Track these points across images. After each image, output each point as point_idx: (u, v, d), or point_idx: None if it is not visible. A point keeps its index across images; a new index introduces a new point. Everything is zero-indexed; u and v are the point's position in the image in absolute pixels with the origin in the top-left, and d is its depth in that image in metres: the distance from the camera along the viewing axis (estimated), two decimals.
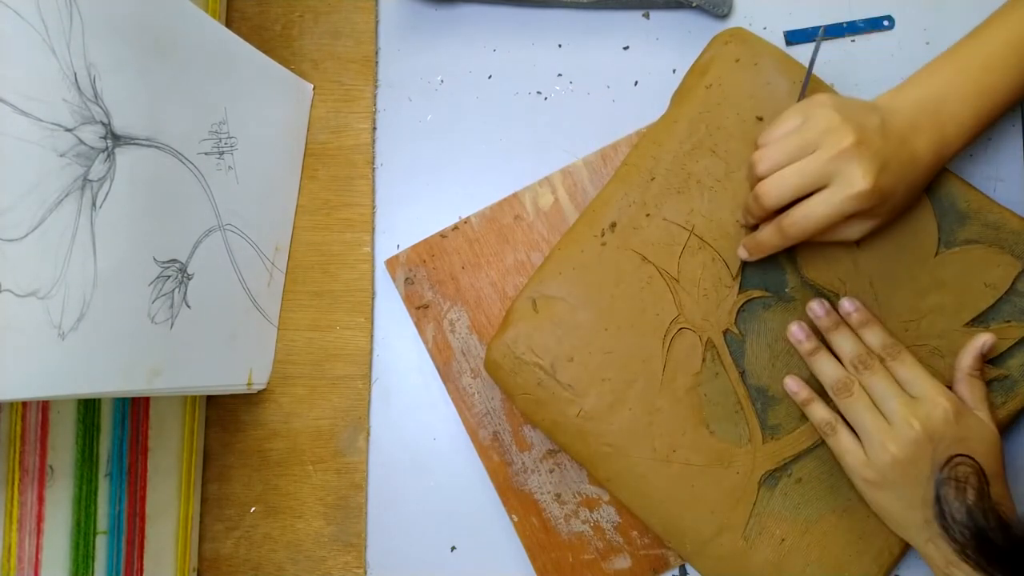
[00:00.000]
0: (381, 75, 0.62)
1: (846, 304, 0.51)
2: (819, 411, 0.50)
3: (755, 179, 0.48)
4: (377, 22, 0.63)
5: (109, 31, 0.39)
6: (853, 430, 0.49)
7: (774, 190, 0.46)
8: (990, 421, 0.48)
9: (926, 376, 0.48)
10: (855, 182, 0.45)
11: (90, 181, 0.39)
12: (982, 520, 0.38)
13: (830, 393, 0.49)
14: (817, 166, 0.45)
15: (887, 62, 0.59)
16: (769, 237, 0.49)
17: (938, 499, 0.42)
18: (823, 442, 0.51)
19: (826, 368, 0.50)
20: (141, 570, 0.51)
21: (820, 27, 0.52)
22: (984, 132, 0.49)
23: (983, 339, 0.49)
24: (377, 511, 0.59)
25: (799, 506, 0.52)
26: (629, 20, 0.62)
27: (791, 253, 0.53)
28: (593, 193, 0.58)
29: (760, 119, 0.54)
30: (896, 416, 0.47)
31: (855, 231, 0.49)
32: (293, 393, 0.60)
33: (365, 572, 0.58)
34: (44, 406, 0.45)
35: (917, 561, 0.55)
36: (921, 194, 0.51)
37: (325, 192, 0.61)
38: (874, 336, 0.50)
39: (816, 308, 0.51)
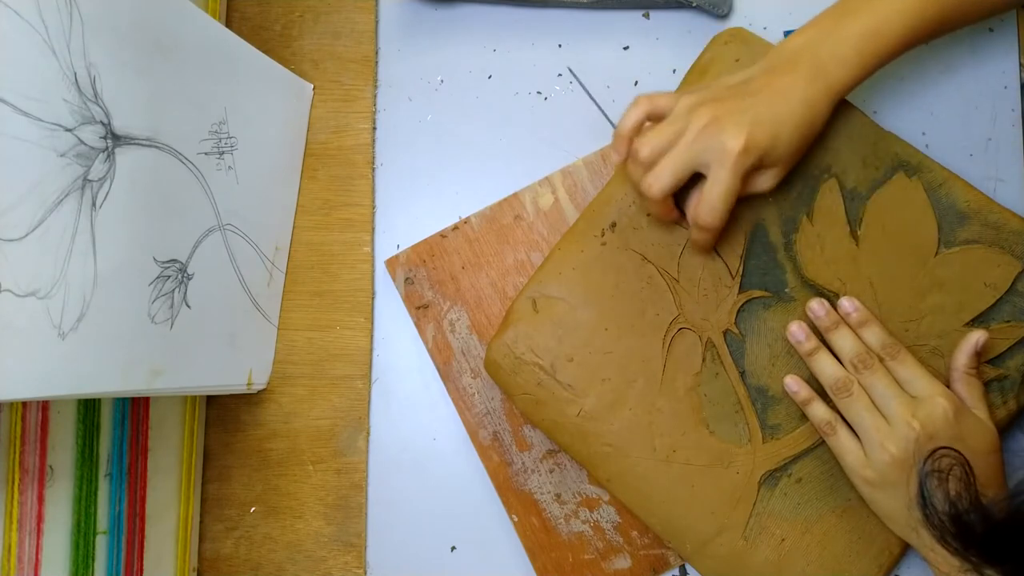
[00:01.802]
0: (381, 75, 0.62)
1: (845, 304, 0.51)
2: (819, 411, 0.50)
3: (639, 170, 0.49)
4: (377, 22, 0.63)
5: (109, 31, 0.39)
6: (853, 430, 0.49)
7: (655, 183, 0.48)
8: (988, 420, 0.48)
9: (926, 376, 0.48)
10: (727, 148, 0.46)
11: (90, 181, 0.39)
12: (962, 507, 0.38)
13: (829, 393, 0.49)
14: (686, 145, 0.47)
15: None
16: (698, 238, 0.51)
17: (921, 490, 0.42)
18: (823, 442, 0.51)
19: (826, 368, 0.50)
20: (141, 570, 0.51)
21: None
22: (877, 71, 0.49)
23: (977, 336, 0.49)
24: (377, 511, 0.59)
25: (799, 506, 0.52)
26: (629, 20, 0.62)
27: (791, 252, 0.53)
28: (593, 193, 0.58)
29: None
30: (896, 416, 0.47)
31: (764, 182, 0.49)
32: (293, 393, 0.60)
33: (365, 572, 0.58)
34: (44, 406, 0.45)
35: (917, 561, 0.55)
36: (823, 127, 0.50)
37: (325, 192, 0.61)
38: (873, 336, 0.50)
39: (815, 308, 0.51)
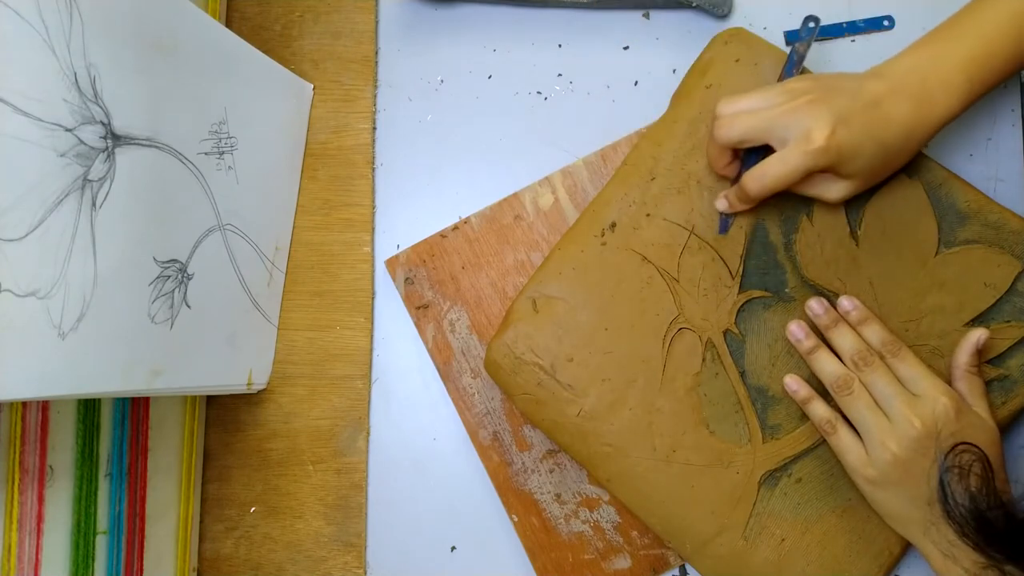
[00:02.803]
0: (381, 75, 0.62)
1: (845, 302, 0.51)
2: (819, 409, 0.50)
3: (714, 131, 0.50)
4: (377, 22, 0.63)
5: (109, 31, 0.39)
6: (854, 429, 0.49)
7: (726, 126, 0.48)
8: (989, 417, 0.48)
9: (927, 373, 0.48)
10: (812, 136, 0.46)
11: (90, 181, 0.39)
12: (984, 504, 0.38)
13: (831, 391, 0.49)
14: (772, 114, 0.47)
15: None
16: (734, 194, 0.51)
17: (941, 485, 0.42)
18: (823, 442, 0.51)
19: (826, 366, 0.50)
20: (141, 570, 0.51)
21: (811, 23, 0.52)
22: (977, 102, 0.49)
23: (978, 335, 0.49)
24: (377, 511, 0.59)
25: (799, 506, 0.52)
26: (629, 20, 0.62)
27: (791, 252, 0.53)
28: (593, 193, 0.58)
29: None
30: (897, 414, 0.47)
31: (833, 191, 0.49)
32: (293, 393, 0.60)
33: (365, 572, 0.58)
34: (44, 406, 0.45)
35: (917, 561, 0.55)
36: (909, 159, 0.50)
37: (325, 192, 0.61)
38: (873, 333, 0.50)
39: (815, 306, 0.51)
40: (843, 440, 0.49)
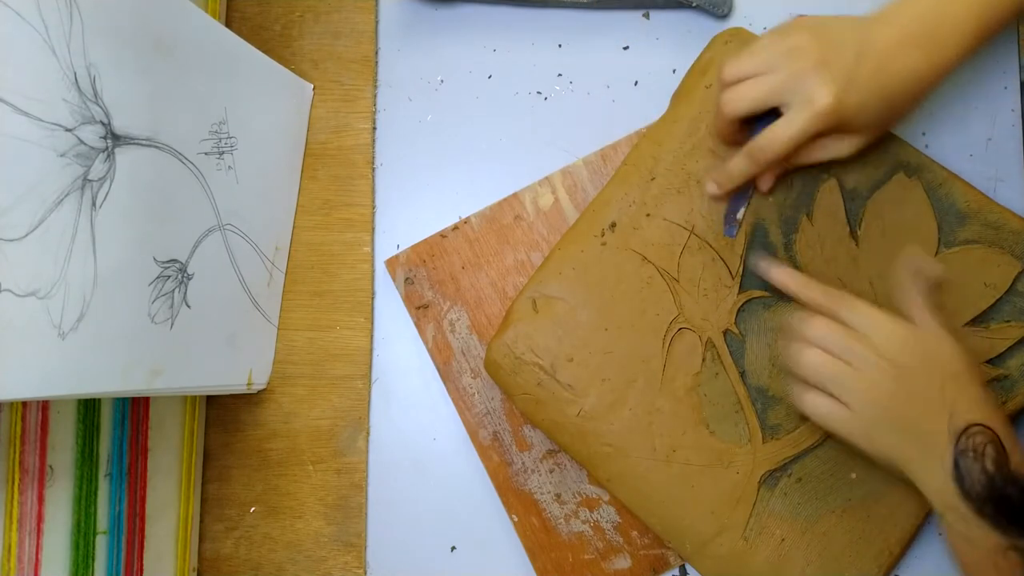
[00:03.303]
0: (381, 75, 0.62)
1: (779, 275, 0.50)
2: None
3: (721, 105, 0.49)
4: (377, 22, 0.63)
5: (109, 31, 0.39)
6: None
7: (734, 98, 0.48)
8: (943, 329, 0.47)
9: (873, 310, 0.47)
10: (815, 99, 0.45)
11: (90, 181, 0.39)
12: (1000, 484, 0.38)
13: (793, 371, 0.48)
14: (776, 80, 0.46)
15: None
16: (737, 164, 0.50)
17: (956, 466, 0.42)
18: (823, 442, 0.51)
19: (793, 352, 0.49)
20: (141, 570, 0.51)
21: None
22: (989, 42, 0.47)
23: (913, 255, 0.49)
24: (377, 511, 0.59)
25: (799, 506, 0.52)
26: (629, 20, 0.62)
27: (791, 252, 0.53)
28: (593, 193, 0.58)
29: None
30: (856, 357, 0.46)
31: (843, 148, 0.49)
32: (293, 393, 0.60)
33: (365, 572, 0.58)
34: (44, 406, 0.45)
35: (917, 561, 0.55)
36: (918, 107, 0.49)
37: (325, 192, 0.61)
38: (818, 293, 0.49)
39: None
40: (819, 406, 0.47)
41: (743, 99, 0.48)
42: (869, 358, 0.45)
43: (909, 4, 0.48)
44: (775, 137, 0.47)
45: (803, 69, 0.46)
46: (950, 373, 0.46)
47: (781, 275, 0.50)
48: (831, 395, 0.47)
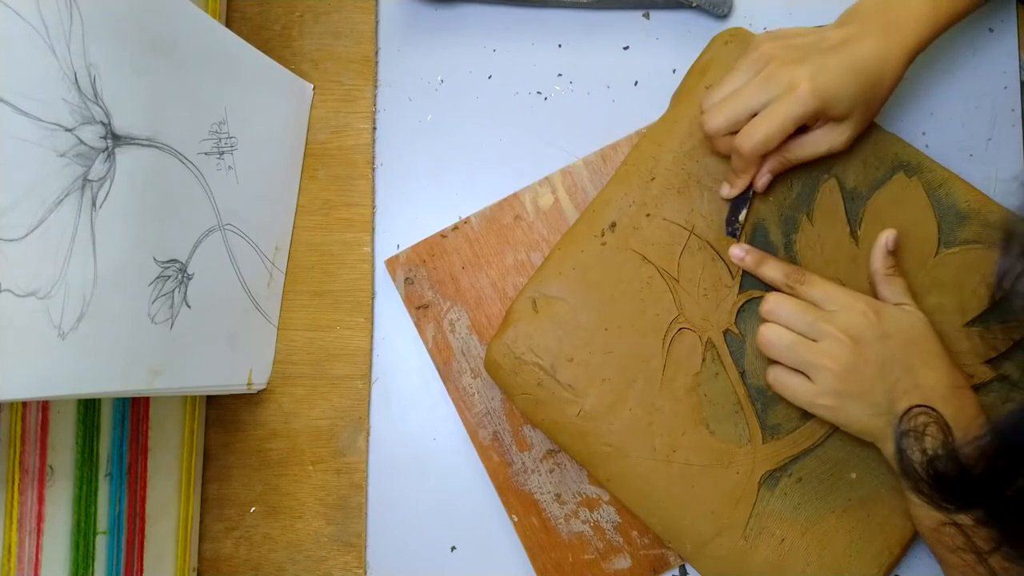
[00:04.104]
0: (381, 75, 0.62)
1: (735, 251, 0.52)
2: (773, 271, 0.51)
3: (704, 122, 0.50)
4: (377, 22, 0.63)
5: (109, 31, 0.39)
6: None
7: (710, 118, 0.49)
8: (917, 310, 0.49)
9: (836, 288, 0.49)
10: (794, 88, 0.47)
11: (90, 181, 0.39)
12: (938, 460, 0.38)
13: (762, 351, 0.50)
14: (752, 87, 0.48)
15: None
16: (734, 162, 0.51)
17: (899, 449, 0.42)
18: (823, 442, 0.51)
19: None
20: (141, 570, 0.51)
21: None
22: (951, 27, 0.50)
23: (886, 236, 0.50)
24: (377, 511, 0.59)
25: (799, 506, 0.52)
26: (629, 20, 0.62)
27: (791, 252, 0.53)
28: (593, 193, 0.58)
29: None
30: (821, 333, 0.47)
31: (834, 138, 0.50)
32: (293, 393, 0.60)
33: (365, 572, 0.58)
34: (44, 406, 0.45)
35: (918, 561, 0.55)
36: (895, 84, 0.50)
37: (325, 192, 0.61)
38: (774, 270, 0.51)
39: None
40: (786, 381, 0.49)
41: (719, 114, 0.49)
42: (829, 332, 0.47)
43: (854, 6, 0.50)
44: (757, 127, 0.48)
45: (772, 70, 0.48)
46: (914, 347, 0.47)
47: (737, 251, 0.52)
48: (797, 371, 0.49)
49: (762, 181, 0.52)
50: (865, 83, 0.48)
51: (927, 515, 0.47)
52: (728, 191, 0.53)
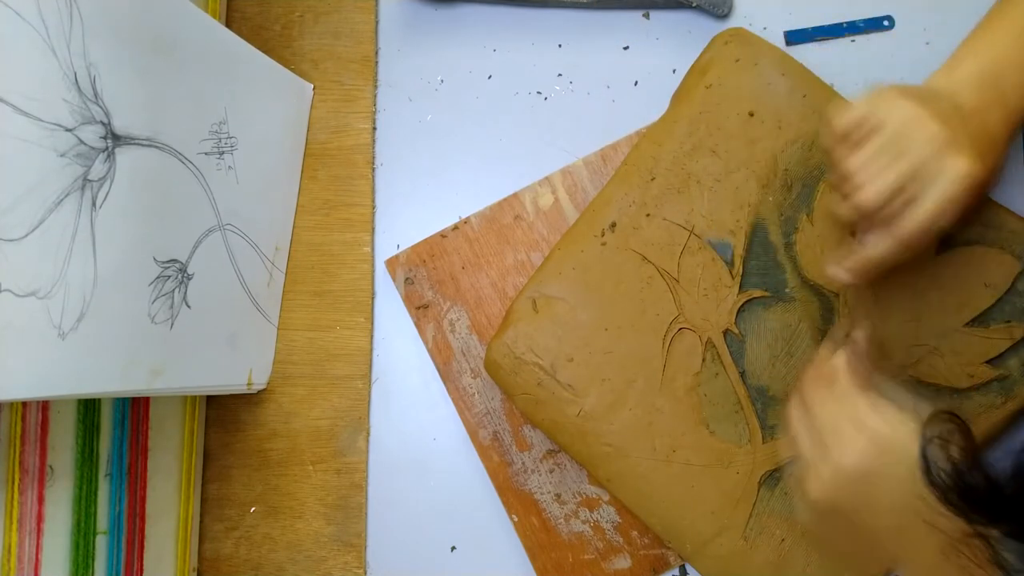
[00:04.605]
0: (381, 75, 0.62)
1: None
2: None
3: (850, 196, 0.45)
4: (377, 22, 0.63)
5: (109, 31, 0.39)
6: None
7: (871, 189, 0.44)
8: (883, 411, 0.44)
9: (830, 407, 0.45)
10: (957, 167, 0.42)
11: (90, 181, 0.39)
12: (965, 469, 0.38)
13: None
14: (912, 158, 0.43)
15: (887, 62, 0.59)
16: (878, 248, 0.46)
17: (923, 455, 0.42)
18: None
19: None
20: (141, 570, 0.51)
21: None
22: None
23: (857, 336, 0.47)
24: (377, 511, 0.59)
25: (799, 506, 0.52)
26: (629, 20, 0.62)
27: (791, 252, 0.53)
28: (593, 193, 0.58)
29: (752, 114, 0.54)
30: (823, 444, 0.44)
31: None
32: (293, 393, 0.60)
33: (365, 572, 0.58)
34: (44, 406, 0.45)
35: None
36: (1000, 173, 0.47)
37: (325, 192, 0.61)
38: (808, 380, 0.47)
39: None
40: (795, 473, 0.45)
41: (883, 184, 0.43)
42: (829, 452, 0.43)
43: (961, 68, 0.46)
44: (920, 210, 0.43)
45: (934, 138, 0.43)
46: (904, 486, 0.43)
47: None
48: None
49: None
50: (996, 170, 0.45)
51: (951, 527, 0.45)
52: (847, 279, 0.48)
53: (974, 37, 0.48)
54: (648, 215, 0.54)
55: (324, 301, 0.60)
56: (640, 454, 0.52)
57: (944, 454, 0.40)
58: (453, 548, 0.58)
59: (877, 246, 0.45)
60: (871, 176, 0.44)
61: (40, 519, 0.44)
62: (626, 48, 0.61)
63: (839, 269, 0.48)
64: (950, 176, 0.43)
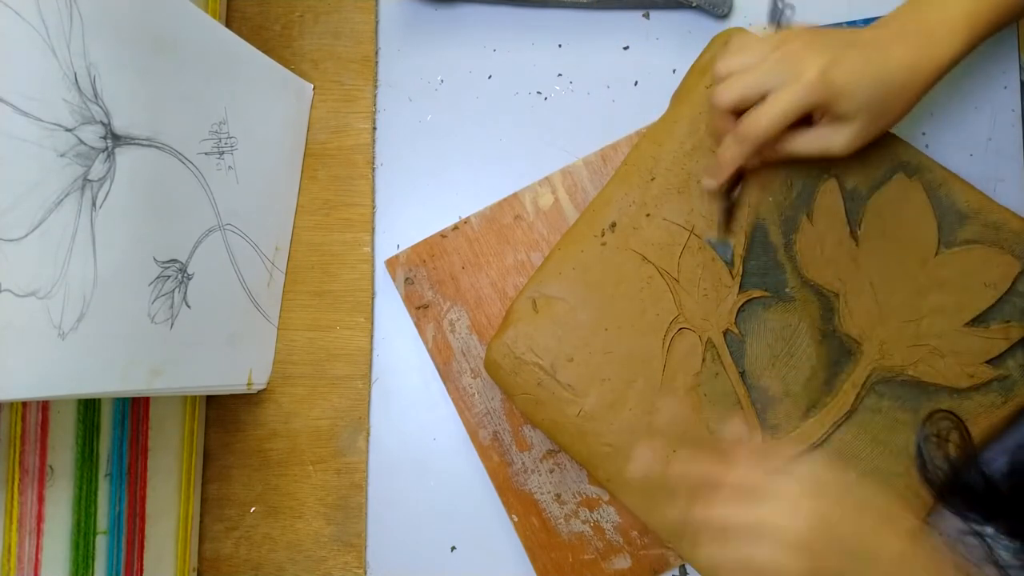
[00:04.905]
0: (381, 75, 0.62)
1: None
2: None
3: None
4: (377, 22, 0.63)
5: (109, 31, 0.39)
6: None
7: (723, 90, 0.48)
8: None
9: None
10: (801, 74, 0.45)
11: (90, 181, 0.39)
12: (961, 467, 0.38)
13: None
14: (764, 67, 0.47)
15: None
16: (727, 149, 0.49)
17: (920, 452, 0.42)
18: (823, 442, 0.51)
19: None
20: (141, 570, 0.51)
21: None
22: (983, 41, 0.48)
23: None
24: (377, 511, 0.59)
25: None
26: (629, 20, 0.62)
27: (791, 252, 0.53)
28: (593, 193, 0.58)
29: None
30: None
31: (837, 139, 0.48)
32: (293, 393, 0.60)
33: (365, 572, 0.58)
34: (44, 406, 0.45)
35: None
36: (917, 100, 0.48)
37: (325, 192, 0.61)
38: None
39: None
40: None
41: (731, 88, 0.47)
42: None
43: (902, 8, 0.48)
44: (761, 113, 0.47)
45: (790, 51, 0.46)
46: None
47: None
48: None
49: (752, 162, 0.51)
50: (882, 88, 0.46)
51: (948, 525, 0.45)
52: (711, 183, 0.52)
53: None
54: (648, 215, 0.54)
55: (324, 301, 0.60)
56: None
57: (941, 452, 0.40)
58: (453, 548, 0.58)
59: (726, 148, 0.49)
60: (732, 80, 0.47)
61: (40, 519, 0.44)
62: (626, 48, 0.61)
63: (705, 178, 0.52)
64: (790, 81, 0.45)
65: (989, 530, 0.37)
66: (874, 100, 0.46)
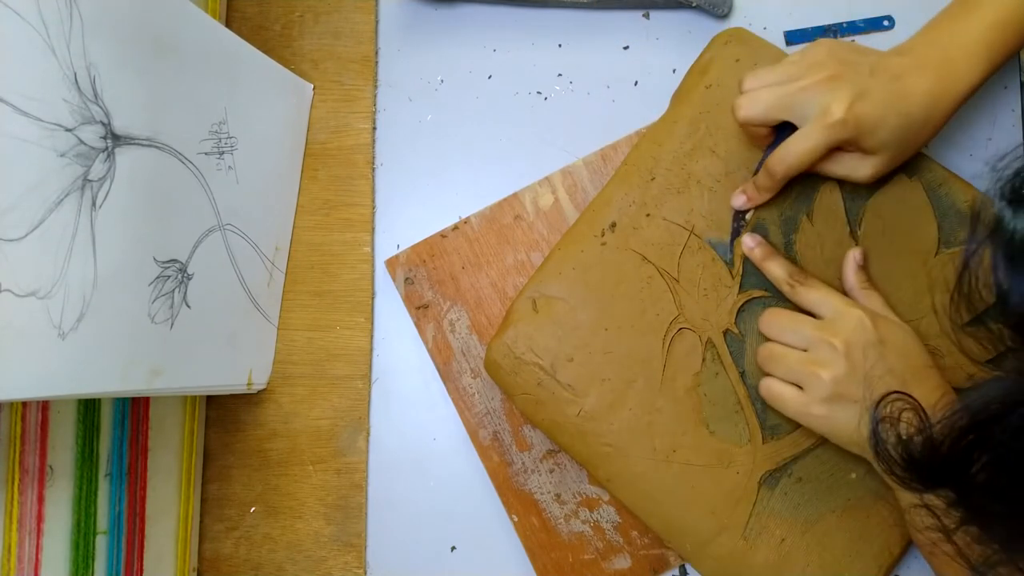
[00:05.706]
0: (381, 75, 0.62)
1: (747, 240, 0.52)
2: (777, 269, 0.51)
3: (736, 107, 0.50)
4: (377, 22, 0.63)
5: (109, 31, 0.39)
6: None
7: (746, 104, 0.48)
8: (903, 323, 0.49)
9: (835, 294, 0.49)
10: (828, 111, 0.46)
11: (90, 181, 0.39)
12: (913, 445, 0.38)
13: (761, 366, 0.51)
14: (790, 91, 0.47)
15: None
16: (760, 179, 0.51)
17: (874, 434, 0.42)
18: (823, 442, 0.51)
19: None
20: (141, 570, 0.51)
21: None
22: (1003, 66, 0.49)
23: (853, 254, 0.51)
24: (377, 511, 0.59)
25: (799, 506, 0.52)
26: (629, 20, 0.62)
27: (791, 253, 0.53)
28: (593, 193, 0.58)
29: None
30: (812, 341, 0.47)
31: (861, 170, 0.49)
32: (293, 393, 0.60)
33: (365, 572, 0.58)
34: (44, 406, 0.45)
35: (918, 561, 0.55)
36: (935, 132, 0.49)
37: (325, 192, 0.61)
38: (778, 268, 0.51)
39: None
40: (778, 391, 0.49)
41: (756, 103, 0.48)
42: (822, 339, 0.47)
43: (921, 36, 0.49)
44: (790, 151, 0.48)
45: (819, 82, 0.46)
46: (907, 360, 0.47)
47: (749, 241, 0.52)
48: (790, 383, 0.49)
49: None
50: (906, 123, 0.47)
51: (903, 497, 0.47)
52: (743, 203, 0.53)
53: (942, 11, 0.50)
54: (648, 215, 0.54)
55: (324, 301, 0.60)
56: (640, 454, 0.52)
57: (894, 431, 0.40)
58: (453, 548, 0.58)
59: (760, 178, 0.51)
60: (756, 95, 0.48)
61: (40, 519, 0.44)
62: (626, 48, 0.61)
63: (737, 194, 0.53)
64: (818, 116, 0.46)
65: (938, 503, 0.37)
66: (898, 135, 0.47)
